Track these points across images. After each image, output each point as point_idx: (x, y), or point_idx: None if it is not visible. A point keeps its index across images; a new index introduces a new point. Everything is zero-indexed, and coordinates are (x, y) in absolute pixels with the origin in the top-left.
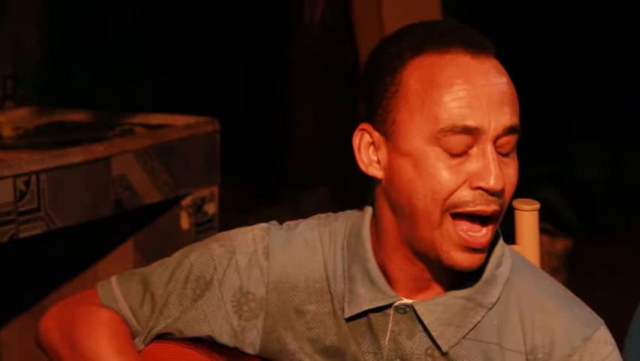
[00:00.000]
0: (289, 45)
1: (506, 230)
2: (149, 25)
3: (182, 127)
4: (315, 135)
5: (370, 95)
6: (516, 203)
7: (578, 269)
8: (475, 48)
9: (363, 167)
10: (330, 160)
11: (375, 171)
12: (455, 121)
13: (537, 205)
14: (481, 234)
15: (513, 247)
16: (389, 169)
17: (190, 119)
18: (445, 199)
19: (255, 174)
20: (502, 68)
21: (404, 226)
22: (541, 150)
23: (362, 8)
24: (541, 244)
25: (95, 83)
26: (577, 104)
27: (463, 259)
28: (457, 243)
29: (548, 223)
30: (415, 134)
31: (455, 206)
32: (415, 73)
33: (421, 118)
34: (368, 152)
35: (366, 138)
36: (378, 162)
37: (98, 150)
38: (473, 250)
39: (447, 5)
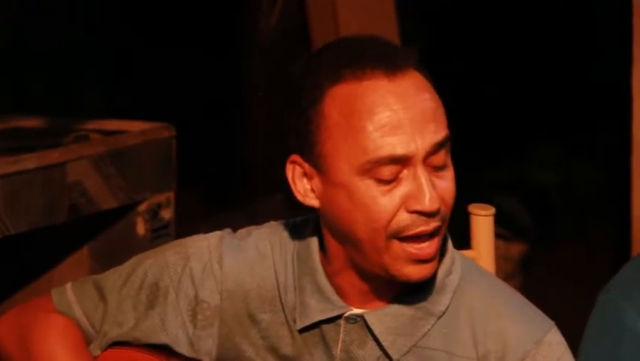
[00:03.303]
0: (247, 51)
1: (463, 235)
2: (107, 31)
3: (138, 133)
4: (272, 142)
5: (295, 127)
6: (472, 208)
7: (533, 274)
8: (391, 68)
9: (300, 198)
10: (285, 168)
11: (312, 201)
12: (381, 152)
13: (492, 210)
14: (427, 245)
15: (468, 252)
16: (325, 198)
17: (145, 125)
18: (386, 226)
19: (212, 180)
20: (422, 82)
21: (350, 251)
22: (495, 155)
23: (317, 12)
24: (497, 249)
25: (49, 89)
26: (531, 110)
27: (415, 272)
28: (407, 258)
29: (503, 228)
30: (343, 165)
31: (398, 232)
32: (335, 103)
33: (347, 150)
34: (303, 182)
35: (298, 169)
36: (313, 191)
37: (53, 156)
38: (423, 261)
39: (401, 8)
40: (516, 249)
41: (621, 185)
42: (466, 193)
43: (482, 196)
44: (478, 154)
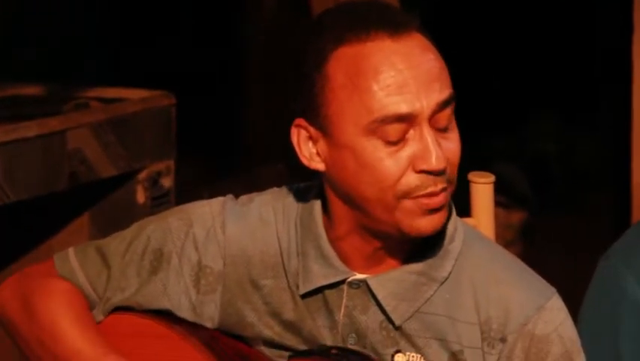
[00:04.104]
0: (245, 19)
1: (463, 203)
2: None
3: (138, 101)
4: (273, 110)
5: (300, 91)
6: (471, 176)
7: (533, 242)
8: (395, 29)
9: (305, 162)
10: (288, 135)
11: (318, 165)
12: (387, 111)
13: (492, 178)
14: (437, 196)
15: (468, 219)
16: (331, 161)
17: (145, 93)
18: (393, 186)
19: (212, 148)
20: (426, 43)
21: (357, 213)
22: (496, 123)
23: None
24: (497, 217)
25: (48, 56)
26: (533, 78)
27: (425, 224)
28: (419, 211)
29: (503, 196)
30: (348, 126)
31: (407, 194)
32: (340, 65)
33: (352, 110)
34: (308, 146)
35: (304, 133)
36: (319, 154)
37: (53, 124)
38: (433, 210)
39: None
40: (516, 216)
41: (621, 154)
42: (466, 161)
43: (482, 164)
44: (478, 122)
